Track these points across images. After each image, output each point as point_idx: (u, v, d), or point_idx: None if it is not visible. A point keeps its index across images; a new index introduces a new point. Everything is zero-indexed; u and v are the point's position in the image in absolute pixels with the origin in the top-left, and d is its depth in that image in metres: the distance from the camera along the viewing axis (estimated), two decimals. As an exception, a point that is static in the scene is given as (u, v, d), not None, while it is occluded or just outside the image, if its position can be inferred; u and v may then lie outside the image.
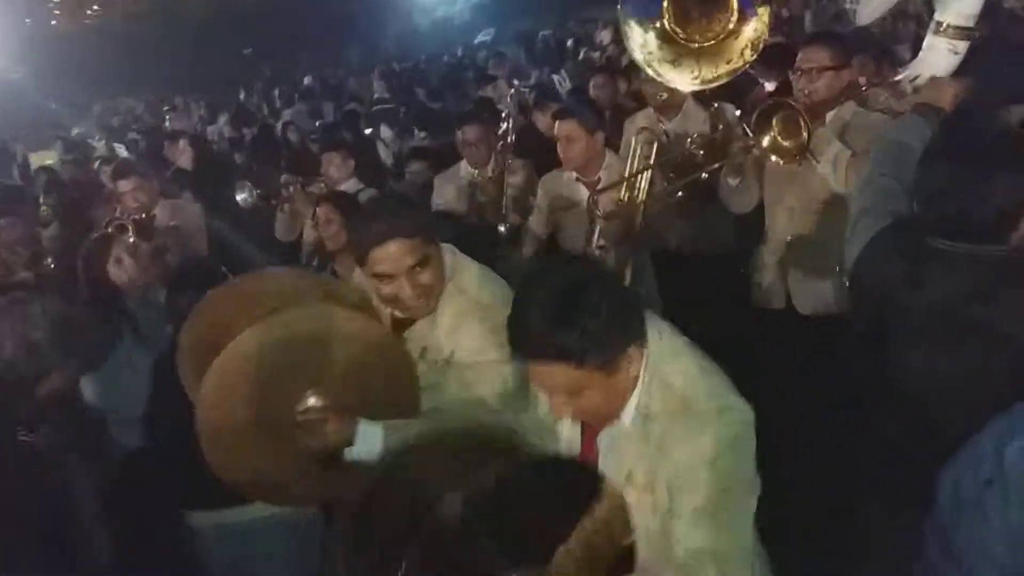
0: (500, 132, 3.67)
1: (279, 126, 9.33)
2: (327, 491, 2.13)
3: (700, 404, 1.61)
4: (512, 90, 4.75)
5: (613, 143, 3.84)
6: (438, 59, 17.32)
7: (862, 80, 3.33)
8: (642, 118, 4.10)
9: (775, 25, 5.97)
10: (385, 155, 7.06)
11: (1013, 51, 3.25)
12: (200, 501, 2.53)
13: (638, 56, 3.11)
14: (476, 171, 3.74)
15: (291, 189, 4.11)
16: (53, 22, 23.20)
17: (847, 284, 2.25)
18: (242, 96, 16.06)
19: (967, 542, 1.51)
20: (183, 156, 6.15)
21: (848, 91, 2.98)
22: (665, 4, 2.97)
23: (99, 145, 11.06)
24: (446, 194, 3.98)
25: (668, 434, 1.61)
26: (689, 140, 3.43)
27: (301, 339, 1.99)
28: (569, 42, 14.03)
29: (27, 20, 21.33)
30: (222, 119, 12.25)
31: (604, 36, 12.14)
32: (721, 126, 3.39)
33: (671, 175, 3.39)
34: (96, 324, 2.88)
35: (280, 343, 1.96)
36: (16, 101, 15.85)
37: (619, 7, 3.08)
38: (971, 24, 2.74)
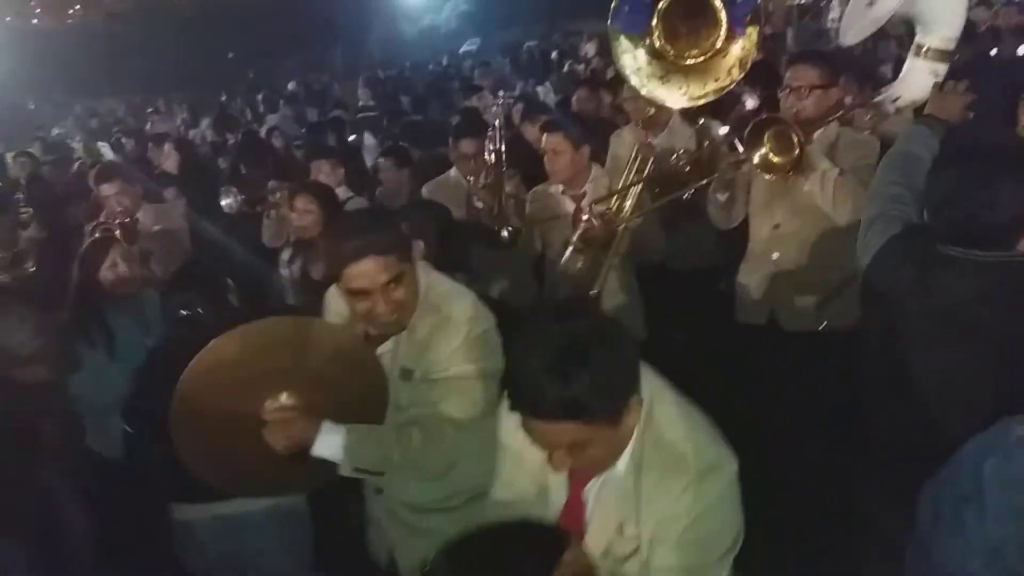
0: (490, 141, 3.68)
1: (263, 131, 9.29)
2: (298, 482, 2.30)
3: (688, 460, 1.60)
4: (499, 100, 4.78)
5: (599, 157, 3.87)
6: (423, 67, 17.35)
7: (848, 100, 3.37)
8: (628, 133, 4.14)
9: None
10: (370, 163, 7.05)
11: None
12: (190, 494, 2.51)
13: (627, 72, 3.16)
14: (471, 178, 3.76)
15: (277, 195, 4.10)
16: (35, 21, 22.99)
17: (863, 286, 2.26)
18: (224, 98, 15.96)
19: (945, 556, 1.54)
20: (168, 160, 6.10)
21: (834, 110, 3.02)
22: (655, 21, 3.01)
23: (78, 146, 10.96)
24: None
25: (656, 486, 1.61)
26: (675, 156, 3.46)
27: (278, 344, 2.05)
28: (554, 54, 14.12)
29: (7, 19, 21.14)
30: (204, 123, 12.18)
31: (589, 49, 12.24)
32: (707, 142, 3.42)
33: (656, 191, 3.42)
34: (71, 336, 2.90)
35: (258, 348, 2.03)
36: (-5, 100, 15.71)
37: (609, 23, 3.11)
38: (952, 47, 2.81)
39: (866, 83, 4.11)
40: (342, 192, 4.25)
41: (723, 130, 3.33)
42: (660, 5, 2.97)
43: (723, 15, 2.95)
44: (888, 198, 2.26)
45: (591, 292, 3.24)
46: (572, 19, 17.23)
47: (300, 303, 3.56)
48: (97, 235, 3.54)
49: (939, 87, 2.60)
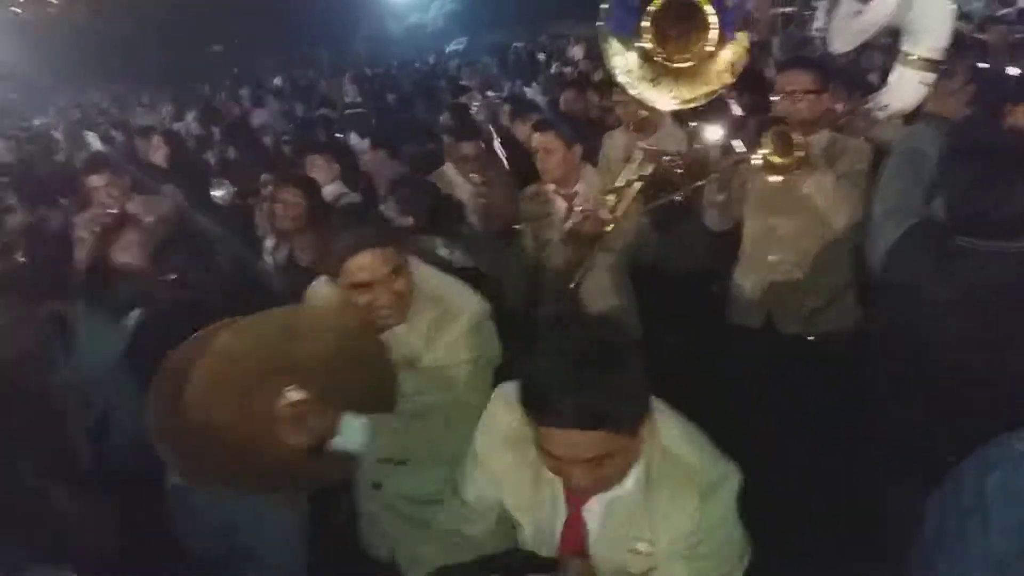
0: (485, 141, 3.73)
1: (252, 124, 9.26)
2: (315, 479, 2.16)
3: (696, 473, 1.60)
4: (488, 99, 4.83)
5: (590, 157, 3.91)
6: (410, 65, 17.33)
7: (838, 107, 3.43)
8: (620, 135, 4.18)
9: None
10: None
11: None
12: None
13: (618, 73, 3.19)
14: (472, 176, 3.79)
15: (269, 188, 4.10)
16: (17, 9, 22.72)
17: (875, 281, 2.30)
18: (207, 89, 15.85)
19: (949, 570, 1.53)
20: (158, 153, 6.05)
21: (827, 115, 3.06)
22: (646, 23, 3.05)
23: (61, 136, 10.87)
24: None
25: (670, 501, 1.61)
26: (669, 158, 3.50)
27: (276, 335, 2.01)
28: (541, 55, 14.14)
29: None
30: (189, 116, 12.10)
31: (576, 51, 12.29)
32: (698, 145, 3.46)
33: (649, 192, 3.45)
34: (48, 332, 2.88)
35: (255, 341, 1.98)
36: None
37: (599, 24, 3.15)
38: (939, 57, 2.87)
39: (854, 91, 4.17)
40: (337, 188, 4.25)
41: (715, 133, 3.37)
42: (649, 8, 3.01)
43: (712, 20, 2.99)
44: (898, 192, 2.31)
45: (570, 285, 3.31)
46: (559, 22, 17.28)
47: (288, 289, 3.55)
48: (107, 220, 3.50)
49: (937, 87, 2.64)
